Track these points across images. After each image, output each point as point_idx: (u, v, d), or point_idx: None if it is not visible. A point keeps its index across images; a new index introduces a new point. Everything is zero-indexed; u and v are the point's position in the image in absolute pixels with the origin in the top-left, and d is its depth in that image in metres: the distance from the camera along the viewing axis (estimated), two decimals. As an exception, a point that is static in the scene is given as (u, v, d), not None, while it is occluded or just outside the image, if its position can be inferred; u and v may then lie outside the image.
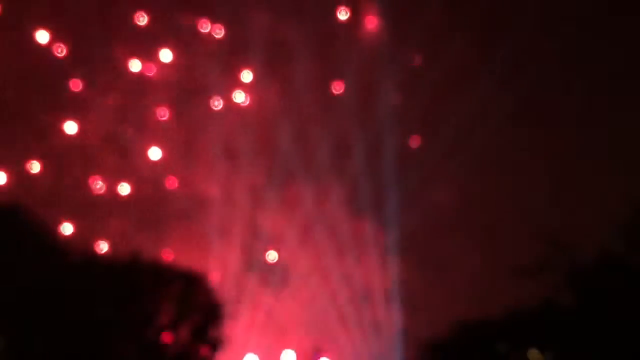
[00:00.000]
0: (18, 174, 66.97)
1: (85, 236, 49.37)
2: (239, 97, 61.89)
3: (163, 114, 59.99)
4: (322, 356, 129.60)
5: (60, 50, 56.01)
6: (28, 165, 56.40)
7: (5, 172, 57.15)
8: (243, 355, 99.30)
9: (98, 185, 57.71)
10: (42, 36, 56.43)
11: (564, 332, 47.87)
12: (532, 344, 53.21)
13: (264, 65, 66.96)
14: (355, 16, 71.25)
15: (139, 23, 58.23)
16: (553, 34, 74.84)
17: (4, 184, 55.26)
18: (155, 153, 61.54)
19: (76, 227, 53.06)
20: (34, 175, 77.36)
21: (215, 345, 55.23)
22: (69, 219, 53.47)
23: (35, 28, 55.57)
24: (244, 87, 61.91)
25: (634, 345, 42.26)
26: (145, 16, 58.04)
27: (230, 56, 62.39)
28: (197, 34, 60.75)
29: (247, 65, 61.95)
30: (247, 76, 61.99)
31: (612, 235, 44.54)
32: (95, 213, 66.03)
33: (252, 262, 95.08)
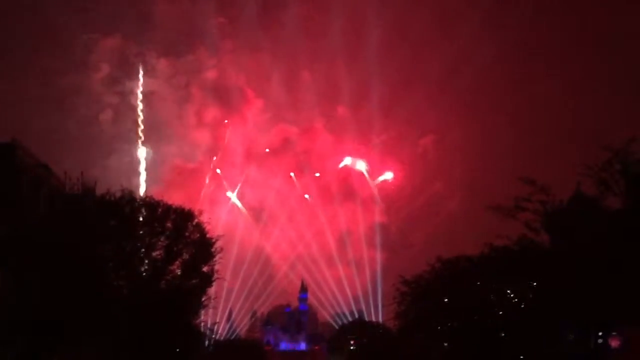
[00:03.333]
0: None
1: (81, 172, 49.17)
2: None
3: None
4: (306, 291, 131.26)
5: None
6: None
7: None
8: (233, 290, 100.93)
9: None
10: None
11: (539, 269, 49.27)
12: (508, 280, 55.05)
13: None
14: None
15: None
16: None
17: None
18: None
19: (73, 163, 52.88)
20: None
21: (205, 279, 56.63)
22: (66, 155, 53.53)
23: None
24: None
25: (605, 282, 43.03)
26: None
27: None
28: None
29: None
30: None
31: (585, 178, 45.07)
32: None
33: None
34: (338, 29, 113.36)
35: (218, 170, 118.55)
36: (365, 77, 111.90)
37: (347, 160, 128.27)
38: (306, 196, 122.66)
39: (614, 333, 46.93)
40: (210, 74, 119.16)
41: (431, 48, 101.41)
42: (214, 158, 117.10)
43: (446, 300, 60.37)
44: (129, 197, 51.44)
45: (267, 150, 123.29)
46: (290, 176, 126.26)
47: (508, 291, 56.97)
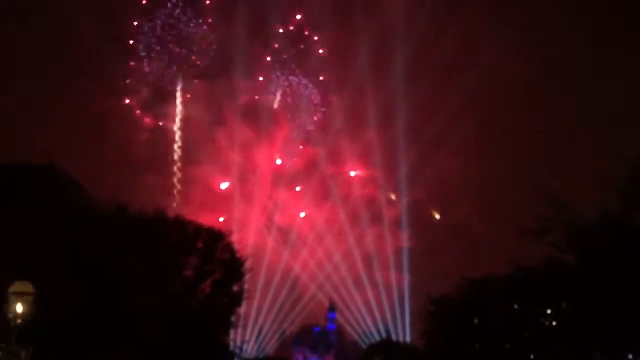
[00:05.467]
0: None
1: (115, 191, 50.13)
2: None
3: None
4: (335, 311, 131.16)
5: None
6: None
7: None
8: (262, 309, 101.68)
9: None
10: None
11: (566, 290, 49.01)
12: (535, 302, 54.73)
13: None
14: None
15: None
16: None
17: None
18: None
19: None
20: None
21: (235, 299, 57.23)
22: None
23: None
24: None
25: (633, 301, 42.71)
26: None
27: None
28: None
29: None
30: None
31: (610, 196, 44.53)
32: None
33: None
34: (365, 54, 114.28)
35: (249, 192, 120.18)
36: (391, 101, 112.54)
37: (374, 184, 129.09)
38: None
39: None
40: (244, 98, 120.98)
41: (456, 72, 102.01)
42: (244, 180, 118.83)
43: (475, 321, 60.27)
44: (161, 216, 52.35)
45: (296, 172, 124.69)
46: (318, 198, 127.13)
47: (536, 313, 56.70)
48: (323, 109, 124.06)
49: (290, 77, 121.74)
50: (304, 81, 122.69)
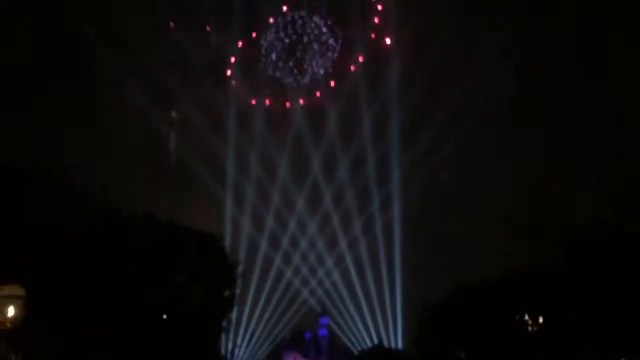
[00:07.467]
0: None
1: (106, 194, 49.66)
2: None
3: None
4: (327, 316, 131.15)
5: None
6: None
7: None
8: (253, 314, 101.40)
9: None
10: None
11: (558, 294, 49.18)
12: (528, 306, 54.84)
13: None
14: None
15: None
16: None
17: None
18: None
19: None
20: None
21: (227, 303, 56.95)
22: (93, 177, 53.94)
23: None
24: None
25: (624, 307, 42.94)
26: None
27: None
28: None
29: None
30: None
31: (603, 203, 44.91)
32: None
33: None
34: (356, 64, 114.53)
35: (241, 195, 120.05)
36: (385, 106, 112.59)
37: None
38: None
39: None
40: (241, 106, 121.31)
41: (449, 79, 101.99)
42: (237, 183, 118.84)
43: (466, 327, 60.23)
44: (152, 220, 52.06)
45: (289, 177, 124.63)
46: (312, 201, 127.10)
47: (527, 317, 56.77)
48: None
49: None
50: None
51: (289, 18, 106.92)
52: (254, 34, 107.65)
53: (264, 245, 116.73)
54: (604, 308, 44.35)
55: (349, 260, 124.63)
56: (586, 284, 46.11)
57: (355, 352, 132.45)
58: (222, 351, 74.33)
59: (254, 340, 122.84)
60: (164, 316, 49.17)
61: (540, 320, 55.31)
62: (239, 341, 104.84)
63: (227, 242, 58.03)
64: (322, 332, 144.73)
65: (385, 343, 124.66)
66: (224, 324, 58.74)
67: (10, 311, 34.36)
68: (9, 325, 34.32)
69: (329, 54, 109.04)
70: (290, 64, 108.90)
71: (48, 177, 49.04)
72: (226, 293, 56.19)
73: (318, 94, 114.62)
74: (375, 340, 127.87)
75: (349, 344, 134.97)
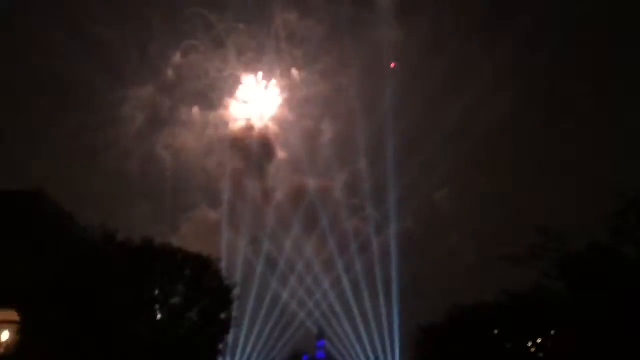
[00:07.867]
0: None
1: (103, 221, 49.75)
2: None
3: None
4: (324, 339, 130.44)
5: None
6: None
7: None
8: (250, 336, 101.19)
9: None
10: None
11: (555, 316, 49.06)
12: (525, 328, 54.76)
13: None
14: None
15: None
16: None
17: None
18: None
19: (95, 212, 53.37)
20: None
21: (223, 326, 56.71)
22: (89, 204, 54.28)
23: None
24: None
25: (620, 327, 42.81)
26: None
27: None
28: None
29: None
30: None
31: (600, 226, 44.92)
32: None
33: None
34: (356, 81, 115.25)
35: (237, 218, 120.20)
36: (382, 130, 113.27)
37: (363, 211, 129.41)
38: None
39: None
40: (237, 127, 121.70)
41: (445, 100, 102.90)
42: (234, 206, 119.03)
43: (462, 348, 60.07)
44: (149, 244, 51.93)
45: (286, 200, 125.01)
46: (308, 225, 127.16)
47: (525, 341, 56.64)
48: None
49: None
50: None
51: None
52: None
53: (260, 267, 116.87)
54: (601, 328, 44.17)
55: (345, 282, 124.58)
56: (583, 306, 45.93)
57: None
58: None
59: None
60: (160, 340, 48.85)
61: (539, 341, 55.30)
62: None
63: (224, 264, 57.46)
64: (320, 354, 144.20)
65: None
66: (221, 346, 58.47)
67: (5, 336, 34.33)
68: (2, 350, 34.25)
69: None
70: None
71: (47, 203, 49.18)
72: (222, 315, 55.95)
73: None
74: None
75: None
